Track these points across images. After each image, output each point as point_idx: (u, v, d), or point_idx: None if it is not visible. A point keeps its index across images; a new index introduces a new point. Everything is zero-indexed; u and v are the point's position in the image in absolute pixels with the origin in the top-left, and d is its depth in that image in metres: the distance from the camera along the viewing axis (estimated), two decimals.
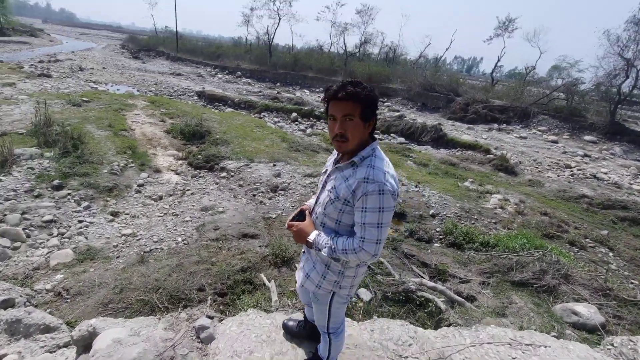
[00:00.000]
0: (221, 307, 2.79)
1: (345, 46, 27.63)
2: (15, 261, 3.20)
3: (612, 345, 2.27)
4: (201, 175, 6.00)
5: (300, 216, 1.51)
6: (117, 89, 14.49)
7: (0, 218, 3.66)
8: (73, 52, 27.18)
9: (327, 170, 1.49)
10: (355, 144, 1.30)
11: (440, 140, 11.25)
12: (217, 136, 7.89)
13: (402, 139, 11.17)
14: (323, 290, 1.48)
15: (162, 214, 4.46)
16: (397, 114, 15.58)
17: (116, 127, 7.65)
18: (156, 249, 3.64)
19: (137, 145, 6.83)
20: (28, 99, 9.14)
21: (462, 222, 5.10)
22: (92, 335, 1.68)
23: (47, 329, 1.82)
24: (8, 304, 2.33)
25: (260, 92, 17.59)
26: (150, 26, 43.73)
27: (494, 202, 6.08)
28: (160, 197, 4.96)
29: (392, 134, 11.59)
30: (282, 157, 6.96)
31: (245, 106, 13.64)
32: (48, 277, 3.04)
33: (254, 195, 5.26)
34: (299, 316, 2.09)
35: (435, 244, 4.47)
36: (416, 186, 6.35)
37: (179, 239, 3.84)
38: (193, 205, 4.73)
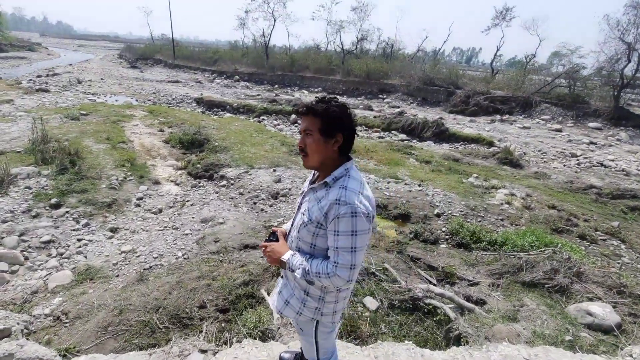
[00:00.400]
0: (223, 325, 2.71)
1: (342, 44, 27.48)
2: (13, 286, 3.15)
3: (631, 356, 2.16)
4: (201, 184, 5.93)
5: (273, 237, 1.45)
6: (116, 100, 14.48)
7: None
8: (71, 64, 27.28)
9: (303, 191, 1.46)
10: (316, 160, 1.28)
11: (442, 135, 11.10)
12: (216, 143, 7.82)
13: (403, 136, 11.04)
14: (304, 317, 1.41)
15: (162, 228, 4.40)
16: (397, 110, 15.44)
17: (114, 139, 7.61)
18: (156, 265, 3.57)
19: (135, 157, 6.78)
20: (26, 116, 9.13)
21: (468, 220, 4.99)
22: None
23: None
24: (4, 333, 2.27)
25: (258, 95, 17.52)
26: (146, 34, 43.80)
27: (500, 197, 5.95)
28: (160, 210, 4.90)
29: (393, 131, 11.46)
30: (283, 161, 6.88)
31: (244, 110, 13.57)
32: (47, 300, 2.98)
33: (255, 203, 5.18)
34: (298, 344, 2.00)
35: (442, 245, 4.36)
36: (419, 185, 6.24)
37: (179, 254, 3.77)
38: (193, 217, 4.66)
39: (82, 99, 13.46)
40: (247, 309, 2.89)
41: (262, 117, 12.71)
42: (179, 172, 6.49)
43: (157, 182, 5.86)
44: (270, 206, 5.11)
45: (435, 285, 3.40)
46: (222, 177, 6.07)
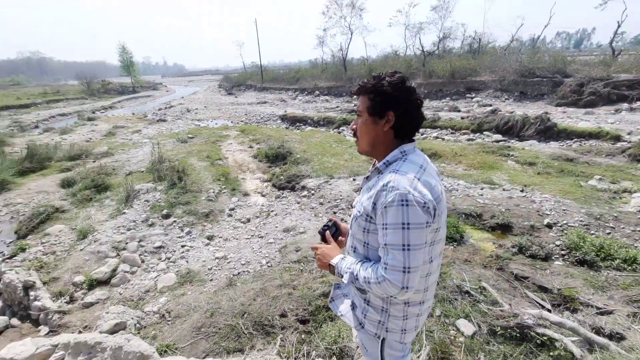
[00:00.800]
0: (303, 336, 2.67)
1: (422, 46, 26.32)
2: (132, 284, 3.69)
3: None
4: (284, 195, 6.19)
5: (330, 227, 1.35)
6: (215, 123, 16.47)
7: (123, 246, 4.31)
8: (182, 97, 32.34)
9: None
10: (366, 144, 1.16)
11: (548, 132, 9.51)
12: (298, 155, 8.14)
13: (498, 136, 9.82)
14: (367, 332, 1.22)
15: (249, 236, 4.68)
16: (489, 108, 13.90)
17: (213, 157, 8.58)
18: (243, 271, 3.78)
19: (229, 172, 7.49)
20: (149, 142, 11.02)
21: (592, 232, 4.05)
22: None
23: (143, 357, 1.94)
24: (120, 326, 2.64)
25: (337, 107, 17.86)
26: (240, 64, 49.28)
27: (636, 203, 4.71)
28: (248, 220, 5.25)
29: (485, 132, 10.30)
30: (362, 170, 6.75)
31: (324, 123, 13.96)
32: (155, 299, 3.39)
33: (335, 213, 5.15)
34: None
35: (556, 262, 3.61)
36: (522, 190, 5.37)
37: (264, 261, 3.93)
38: (276, 227, 4.85)
39: (190, 125, 15.69)
40: (326, 321, 2.80)
41: (341, 127, 12.86)
42: (265, 184, 6.91)
43: (246, 194, 6.34)
44: (350, 215, 5.01)
45: (549, 311, 2.79)
46: (303, 188, 6.23)
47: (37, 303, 3.15)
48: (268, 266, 3.84)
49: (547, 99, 15.00)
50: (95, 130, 14.32)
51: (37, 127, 16.81)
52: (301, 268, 3.66)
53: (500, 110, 12.74)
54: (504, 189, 5.44)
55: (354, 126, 1.20)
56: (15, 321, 3.17)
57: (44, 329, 3.02)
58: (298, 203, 5.73)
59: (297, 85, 29.16)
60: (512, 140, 9.47)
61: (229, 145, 10.15)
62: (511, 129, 10.02)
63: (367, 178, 1.19)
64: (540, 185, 5.56)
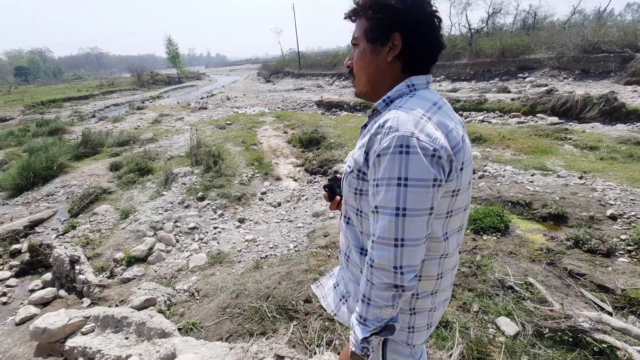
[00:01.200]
0: (327, 324, 2.57)
1: (469, 24, 24.45)
2: (167, 263, 3.82)
3: None
4: (315, 180, 6.09)
5: (336, 182, 1.14)
6: (253, 110, 16.72)
7: (160, 226, 4.49)
8: (224, 86, 33.31)
9: None
10: (363, 81, 0.90)
11: (614, 113, 8.40)
12: (332, 140, 7.97)
13: (554, 119, 8.86)
14: None
15: (279, 220, 4.65)
16: (543, 88, 12.60)
17: (248, 142, 8.68)
18: (271, 255, 3.75)
19: (263, 157, 7.53)
20: (190, 128, 11.46)
21: None
22: (173, 356, 1.69)
23: (164, 334, 1.95)
24: (150, 302, 2.72)
25: None
26: (278, 52, 49.52)
27: None
28: (279, 204, 5.23)
29: (538, 114, 9.36)
30: None
31: (360, 108, 13.58)
32: (186, 278, 3.48)
33: None
34: None
35: (620, 259, 3.14)
36: (581, 177, 4.77)
37: (291, 246, 3.87)
38: (306, 211, 4.77)
39: (229, 112, 16.09)
40: None
41: None
42: (297, 168, 6.85)
43: (278, 179, 6.33)
44: None
45: (610, 314, 2.42)
46: (335, 172, 6.07)
47: (81, 277, 3.36)
48: (295, 250, 3.77)
49: (614, 77, 13.28)
50: (143, 119, 15.19)
51: (93, 116, 18.26)
52: (328, 254, 3.55)
53: (557, 90, 11.48)
54: (558, 176, 4.87)
55: (349, 62, 0.93)
56: (62, 292, 3.43)
57: (86, 301, 3.23)
58: None
59: (334, 71, 28.68)
60: (571, 123, 8.50)
61: (264, 131, 10.22)
62: (570, 110, 8.99)
63: (364, 126, 0.92)
64: (603, 172, 4.90)
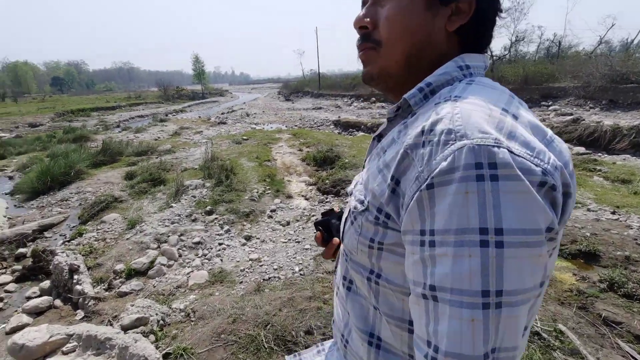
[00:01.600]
0: None
1: (491, 50, 24.35)
2: (167, 278, 3.67)
3: None
4: (327, 200, 5.91)
5: (332, 217, 0.83)
6: (271, 127, 16.91)
7: (165, 239, 4.38)
8: (244, 103, 34.17)
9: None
10: (397, 53, 0.55)
11: None
12: (346, 160, 7.82)
13: (580, 149, 8.46)
14: None
15: (286, 240, 4.46)
16: (569, 117, 12.18)
17: (262, 158, 8.65)
18: (274, 277, 3.55)
19: (275, 174, 7.44)
20: (207, 142, 11.61)
21: None
22: None
23: None
24: (142, 322, 2.55)
25: None
26: (299, 72, 50.81)
27: None
28: (288, 223, 5.05)
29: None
30: None
31: (377, 129, 13.49)
32: (184, 296, 3.31)
33: None
34: None
35: None
36: (613, 212, 4.40)
37: (296, 268, 3.66)
38: (315, 232, 4.57)
39: (247, 128, 16.31)
40: None
41: None
42: (310, 187, 6.70)
43: (289, 196, 6.18)
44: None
45: None
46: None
47: (78, 287, 3.25)
48: (300, 274, 3.56)
49: None
50: (164, 131, 15.57)
51: (118, 126, 18.90)
52: None
53: (583, 120, 11.07)
54: (588, 209, 4.52)
55: (364, 19, 0.57)
56: (58, 302, 3.31)
57: (80, 314, 3.09)
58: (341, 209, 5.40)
59: (353, 92, 28.97)
60: (599, 154, 8.07)
61: (279, 148, 10.21)
62: (597, 141, 8.58)
63: (378, 137, 0.64)
64: (638, 208, 4.51)
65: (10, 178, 8.59)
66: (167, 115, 23.68)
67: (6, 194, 7.17)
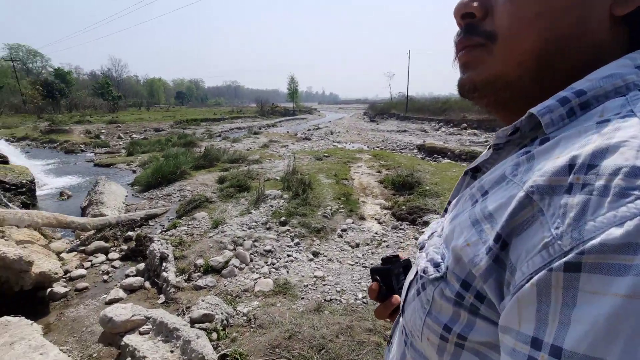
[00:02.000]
0: None
1: None
2: (236, 280, 3.87)
3: None
4: (401, 227, 5.59)
5: (396, 266, 0.64)
6: (352, 146, 17.10)
7: (241, 242, 4.66)
8: (330, 121, 35.50)
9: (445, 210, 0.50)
10: (523, 48, 0.36)
11: None
12: (427, 187, 7.35)
13: None
14: None
15: (352, 263, 4.33)
16: None
17: (339, 176, 8.73)
18: (335, 299, 3.43)
19: (351, 193, 7.40)
20: (290, 156, 12.29)
21: None
22: None
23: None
24: (208, 318, 2.71)
25: (486, 141, 15.75)
26: (387, 95, 50.85)
27: None
28: (357, 245, 4.91)
29: None
30: None
31: (466, 157, 12.45)
32: (249, 301, 3.43)
33: None
34: None
35: None
36: None
37: (360, 295, 3.48)
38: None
39: (329, 145, 16.81)
40: None
41: None
42: (384, 211, 6.46)
43: (362, 218, 6.04)
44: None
45: None
46: (425, 223, 5.47)
47: (164, 274, 3.65)
48: (363, 302, 3.37)
49: None
50: (256, 142, 17.07)
51: (219, 135, 21.45)
52: None
53: None
54: None
55: (473, 2, 0.39)
56: (147, 284, 3.76)
57: (162, 298, 3.45)
58: (415, 239, 5.03)
59: (442, 117, 27.60)
60: None
61: (358, 168, 10.19)
62: None
63: (474, 172, 0.47)
64: None
65: (134, 172, 10.39)
66: (260, 129, 26.01)
67: (128, 184, 8.66)
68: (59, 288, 3.70)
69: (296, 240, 4.94)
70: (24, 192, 7.00)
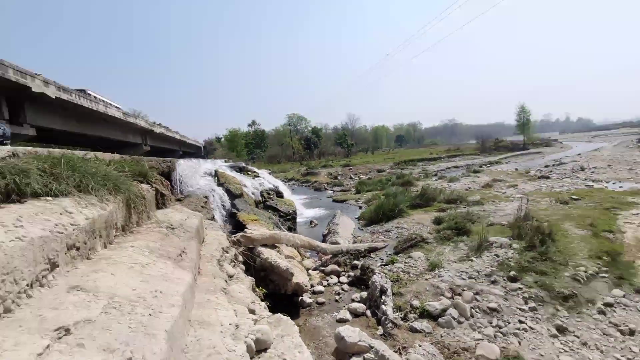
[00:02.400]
0: None
1: None
2: (454, 333, 3.58)
3: None
4: None
5: None
6: (620, 187, 12.51)
7: (459, 292, 4.32)
8: (579, 154, 27.74)
9: None
10: None
11: None
12: None
13: None
14: None
15: (623, 357, 3.02)
16: None
17: (599, 226, 6.52)
18: None
19: (621, 252, 5.33)
20: (522, 197, 10.42)
21: None
22: None
23: None
24: None
25: None
26: None
27: None
28: (632, 332, 3.41)
29: None
30: None
31: None
32: None
33: None
34: None
35: None
36: None
37: None
38: None
39: (578, 185, 13.07)
40: None
41: None
42: None
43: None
44: None
45: None
46: None
47: (383, 307, 3.91)
48: None
49: None
50: (476, 182, 15.73)
51: (435, 174, 21.36)
52: None
53: None
54: None
55: None
56: (368, 312, 4.13)
57: (380, 330, 3.68)
58: None
59: None
60: None
61: (632, 216, 7.27)
62: None
63: None
64: None
65: (360, 207, 12.02)
66: (481, 167, 23.82)
67: (356, 218, 10.08)
68: (306, 298, 4.72)
69: (531, 303, 4.03)
70: (290, 219, 9.59)
